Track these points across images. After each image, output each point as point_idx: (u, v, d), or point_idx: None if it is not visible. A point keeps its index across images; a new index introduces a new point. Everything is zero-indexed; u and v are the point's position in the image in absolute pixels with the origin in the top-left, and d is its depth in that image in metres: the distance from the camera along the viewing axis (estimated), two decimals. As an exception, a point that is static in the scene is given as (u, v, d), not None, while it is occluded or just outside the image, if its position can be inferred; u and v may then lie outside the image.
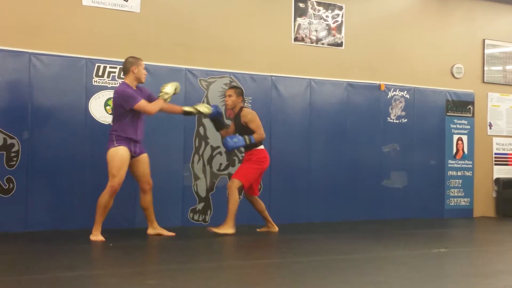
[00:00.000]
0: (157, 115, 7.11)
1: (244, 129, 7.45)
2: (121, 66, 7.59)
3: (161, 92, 6.88)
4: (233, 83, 8.35)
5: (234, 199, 7.24)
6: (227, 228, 7.17)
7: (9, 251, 5.85)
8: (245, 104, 8.46)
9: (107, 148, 6.66)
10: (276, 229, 7.69)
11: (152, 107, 6.76)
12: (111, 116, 6.99)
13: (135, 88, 6.78)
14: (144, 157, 6.89)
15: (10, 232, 6.96)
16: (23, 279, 4.53)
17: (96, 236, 6.52)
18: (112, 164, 6.57)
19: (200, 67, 8.26)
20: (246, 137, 7.33)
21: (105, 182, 6.60)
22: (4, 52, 7.19)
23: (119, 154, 6.58)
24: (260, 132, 7.44)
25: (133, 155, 6.74)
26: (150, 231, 7.05)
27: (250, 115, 7.46)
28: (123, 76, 6.97)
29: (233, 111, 7.62)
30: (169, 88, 6.90)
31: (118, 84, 7.20)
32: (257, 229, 7.75)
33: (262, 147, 7.53)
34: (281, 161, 8.66)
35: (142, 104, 6.67)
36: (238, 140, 7.29)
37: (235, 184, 7.26)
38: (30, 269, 4.93)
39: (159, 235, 7.01)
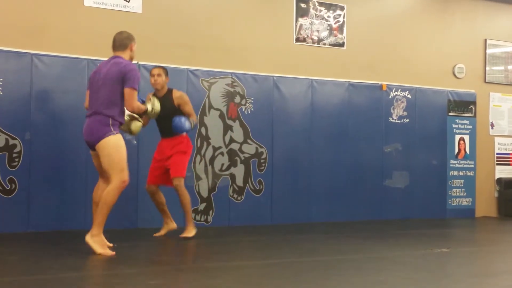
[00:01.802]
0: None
1: (174, 112, 6.81)
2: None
3: (151, 103, 6.36)
4: (235, 84, 8.37)
5: (188, 198, 6.85)
6: (191, 230, 6.88)
7: (12, 252, 5.85)
8: (247, 104, 8.47)
9: (103, 134, 5.63)
10: (175, 225, 7.08)
11: (139, 106, 5.89)
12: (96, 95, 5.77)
13: None
14: None
15: (13, 233, 6.97)
16: (25, 280, 4.53)
17: (99, 238, 5.64)
18: (120, 156, 5.62)
19: (201, 67, 8.27)
20: (191, 120, 6.83)
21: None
22: (6, 53, 7.20)
23: (122, 144, 5.70)
24: (194, 115, 7.00)
25: None
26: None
27: (185, 97, 6.97)
28: (117, 51, 5.91)
29: (159, 93, 6.88)
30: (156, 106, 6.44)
31: (117, 59, 5.85)
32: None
33: (185, 133, 6.97)
34: (283, 161, 8.68)
35: (135, 95, 5.77)
36: (188, 123, 6.75)
37: (182, 182, 6.79)
38: (32, 270, 4.93)
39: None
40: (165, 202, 7.05)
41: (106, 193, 5.62)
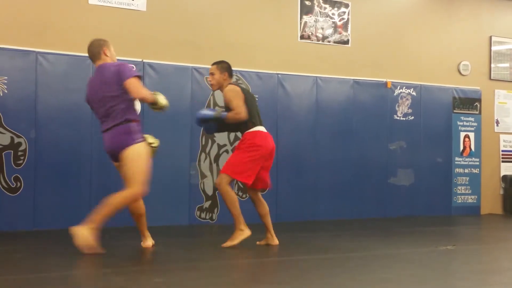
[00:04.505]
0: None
1: (228, 109, 6.14)
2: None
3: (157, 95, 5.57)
4: (239, 81, 8.36)
5: (231, 198, 6.03)
6: (241, 234, 6.15)
7: (17, 250, 5.86)
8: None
9: (126, 143, 5.38)
10: (276, 242, 6.34)
11: (147, 93, 5.49)
12: (107, 101, 5.49)
13: None
14: None
15: (18, 231, 6.99)
16: (31, 278, 4.54)
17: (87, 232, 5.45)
18: (141, 168, 5.40)
19: (206, 65, 8.24)
20: (219, 109, 6.23)
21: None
22: (11, 51, 7.22)
23: (144, 153, 5.46)
24: (237, 111, 5.95)
25: None
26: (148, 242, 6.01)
27: (229, 93, 6.06)
28: (96, 62, 5.68)
29: (221, 91, 6.26)
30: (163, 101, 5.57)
31: (100, 66, 5.63)
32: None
33: (256, 128, 6.11)
34: (288, 159, 8.67)
35: (139, 82, 5.47)
36: (208, 111, 6.07)
37: (224, 180, 5.98)
38: (38, 268, 4.94)
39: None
40: (267, 213, 6.36)
41: (118, 196, 5.42)
